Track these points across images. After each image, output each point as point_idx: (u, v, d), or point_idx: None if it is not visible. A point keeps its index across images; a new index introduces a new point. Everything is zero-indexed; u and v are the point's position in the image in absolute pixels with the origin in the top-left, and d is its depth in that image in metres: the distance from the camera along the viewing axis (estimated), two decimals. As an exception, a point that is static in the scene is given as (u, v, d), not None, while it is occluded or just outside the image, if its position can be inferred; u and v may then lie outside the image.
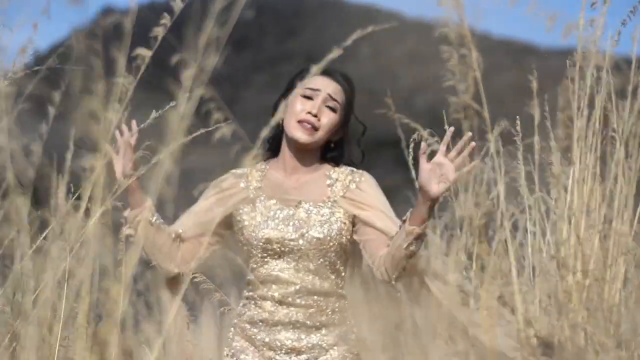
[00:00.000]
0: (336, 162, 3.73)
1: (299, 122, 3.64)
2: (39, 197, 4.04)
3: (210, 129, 3.39)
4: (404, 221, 3.45)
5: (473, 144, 3.31)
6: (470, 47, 3.18)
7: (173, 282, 3.72)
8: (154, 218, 3.64)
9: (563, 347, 3.12)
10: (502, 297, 3.34)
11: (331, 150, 3.72)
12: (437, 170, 3.32)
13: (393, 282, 3.51)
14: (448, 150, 3.36)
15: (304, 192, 3.67)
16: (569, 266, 3.30)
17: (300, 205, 3.63)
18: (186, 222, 3.71)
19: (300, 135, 3.63)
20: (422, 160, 3.36)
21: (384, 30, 3.62)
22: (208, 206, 3.71)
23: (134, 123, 3.63)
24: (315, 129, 3.64)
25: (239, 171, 3.76)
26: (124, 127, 3.62)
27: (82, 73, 3.77)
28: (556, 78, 3.71)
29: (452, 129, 3.36)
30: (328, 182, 3.66)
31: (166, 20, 3.26)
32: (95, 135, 2.84)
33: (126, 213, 3.63)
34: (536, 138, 3.64)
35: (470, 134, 3.34)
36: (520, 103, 3.76)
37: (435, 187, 3.34)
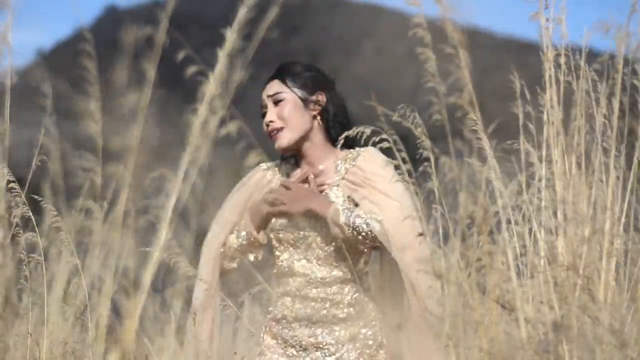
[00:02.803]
0: (348, 143, 3.71)
1: (269, 135, 3.74)
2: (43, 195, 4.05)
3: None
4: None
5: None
6: (457, 45, 3.18)
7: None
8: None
9: (568, 342, 3.13)
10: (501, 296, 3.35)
11: (334, 130, 3.73)
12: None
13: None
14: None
15: (318, 181, 3.71)
16: (558, 264, 3.31)
17: None
18: (221, 234, 3.77)
19: (276, 145, 3.72)
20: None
21: (387, 28, 3.63)
22: (237, 210, 3.79)
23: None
24: (279, 129, 3.70)
25: (268, 164, 3.85)
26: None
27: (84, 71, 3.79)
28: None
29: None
30: (335, 168, 3.70)
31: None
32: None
33: (244, 223, 3.74)
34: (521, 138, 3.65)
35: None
36: (522, 101, 3.76)
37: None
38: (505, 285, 3.32)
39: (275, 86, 3.72)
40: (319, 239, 3.63)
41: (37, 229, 3.83)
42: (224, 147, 3.81)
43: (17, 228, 3.80)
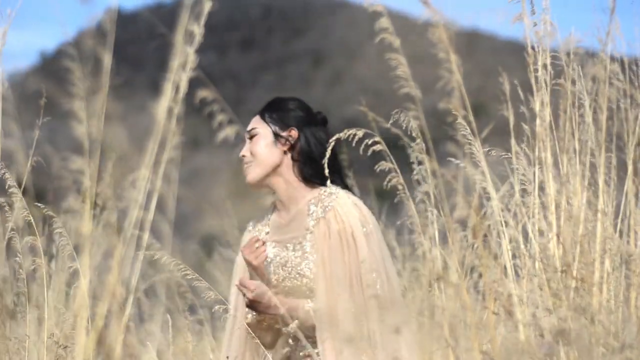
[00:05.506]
0: (321, 179, 3.64)
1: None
2: (45, 197, 4.06)
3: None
4: None
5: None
6: (449, 49, 3.18)
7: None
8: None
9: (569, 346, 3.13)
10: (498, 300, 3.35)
11: (305, 168, 3.66)
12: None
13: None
14: None
15: (291, 228, 3.68)
16: (554, 267, 3.31)
17: (288, 245, 3.65)
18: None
19: (246, 180, 3.71)
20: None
21: (389, 31, 3.63)
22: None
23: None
24: (249, 165, 3.69)
25: (251, 225, 3.83)
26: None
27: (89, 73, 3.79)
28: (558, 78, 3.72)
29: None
30: (308, 211, 3.65)
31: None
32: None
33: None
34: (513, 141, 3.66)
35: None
36: (519, 103, 3.77)
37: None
38: (501, 289, 3.32)
39: (254, 121, 3.73)
40: (304, 287, 3.61)
41: (36, 232, 3.84)
42: (222, 151, 3.82)
43: (12, 232, 3.80)
